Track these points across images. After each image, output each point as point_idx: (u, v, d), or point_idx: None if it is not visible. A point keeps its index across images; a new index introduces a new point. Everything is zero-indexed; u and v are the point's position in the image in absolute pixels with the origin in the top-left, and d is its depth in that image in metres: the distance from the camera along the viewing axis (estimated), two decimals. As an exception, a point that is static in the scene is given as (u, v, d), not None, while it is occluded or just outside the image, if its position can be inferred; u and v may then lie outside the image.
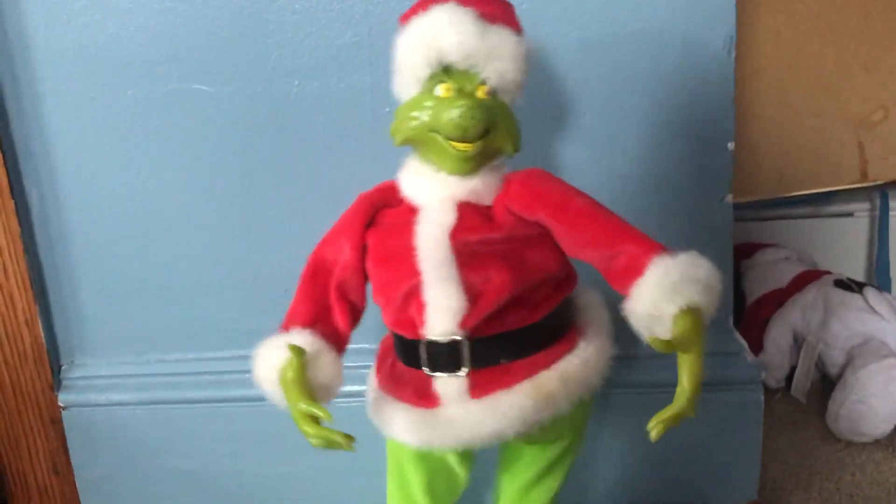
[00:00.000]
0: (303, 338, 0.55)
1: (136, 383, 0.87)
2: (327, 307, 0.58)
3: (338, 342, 0.57)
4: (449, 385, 0.55)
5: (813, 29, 1.07)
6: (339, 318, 0.58)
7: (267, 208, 0.82)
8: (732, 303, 0.85)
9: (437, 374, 0.56)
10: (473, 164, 0.56)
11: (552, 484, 0.65)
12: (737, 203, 0.82)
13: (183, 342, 0.87)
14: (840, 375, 1.02)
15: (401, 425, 0.57)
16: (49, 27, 0.78)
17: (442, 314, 0.54)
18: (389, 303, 0.57)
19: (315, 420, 0.52)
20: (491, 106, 0.54)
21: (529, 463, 0.64)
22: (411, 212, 0.57)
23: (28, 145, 0.82)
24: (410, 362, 0.57)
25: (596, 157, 0.79)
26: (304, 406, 0.52)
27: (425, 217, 0.56)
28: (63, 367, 0.89)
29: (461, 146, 0.54)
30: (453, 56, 0.53)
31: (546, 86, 0.77)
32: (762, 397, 0.83)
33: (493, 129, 0.55)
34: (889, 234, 1.26)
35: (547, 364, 0.56)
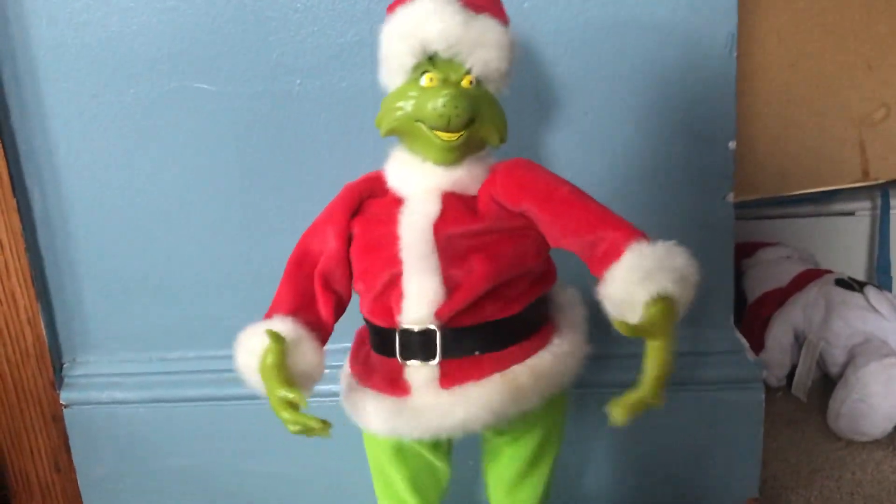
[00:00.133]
0: (284, 325, 0.54)
1: (137, 381, 0.87)
2: (311, 296, 0.58)
3: (320, 331, 0.57)
4: (420, 374, 0.55)
5: (815, 27, 1.07)
6: (323, 307, 0.57)
7: (269, 206, 0.82)
8: (733, 302, 0.84)
9: (410, 362, 0.55)
10: (458, 154, 0.56)
11: (537, 481, 0.65)
12: (738, 202, 0.82)
13: (184, 340, 0.87)
14: (841, 374, 1.02)
15: (371, 413, 0.56)
16: (51, 25, 0.78)
17: (418, 303, 0.54)
18: (369, 290, 0.57)
19: (294, 406, 0.52)
20: (475, 95, 0.54)
21: (510, 461, 0.64)
22: (397, 202, 0.57)
23: (30, 143, 0.82)
24: (384, 351, 0.57)
25: (597, 155, 0.79)
26: (281, 392, 0.51)
27: (410, 207, 0.56)
28: (65, 365, 0.89)
29: (445, 136, 0.54)
30: (437, 45, 0.53)
31: (547, 83, 0.77)
32: (763, 396, 0.83)
33: (478, 119, 0.55)
34: (890, 233, 1.26)
35: (519, 358, 0.56)
